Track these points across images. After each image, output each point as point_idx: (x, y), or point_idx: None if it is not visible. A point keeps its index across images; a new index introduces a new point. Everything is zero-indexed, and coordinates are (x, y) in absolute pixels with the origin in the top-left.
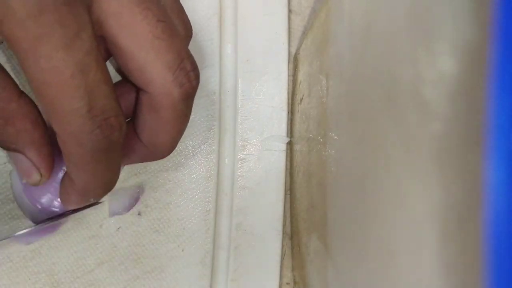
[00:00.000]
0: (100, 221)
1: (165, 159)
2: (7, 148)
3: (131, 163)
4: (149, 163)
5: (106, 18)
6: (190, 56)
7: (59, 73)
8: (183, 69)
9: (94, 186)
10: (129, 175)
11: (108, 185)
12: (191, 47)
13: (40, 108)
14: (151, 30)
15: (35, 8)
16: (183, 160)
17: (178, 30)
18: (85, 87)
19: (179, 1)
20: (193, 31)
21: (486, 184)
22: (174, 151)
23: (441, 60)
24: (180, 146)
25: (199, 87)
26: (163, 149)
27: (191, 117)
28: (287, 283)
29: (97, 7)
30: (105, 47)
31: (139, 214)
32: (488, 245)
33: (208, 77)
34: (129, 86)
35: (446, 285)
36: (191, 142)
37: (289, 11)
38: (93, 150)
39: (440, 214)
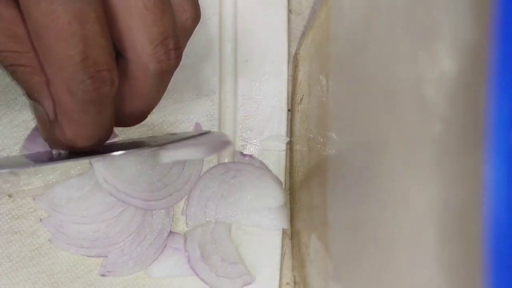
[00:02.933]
0: None
1: None
2: (30, 96)
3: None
4: None
5: None
6: (176, 36)
7: (57, 18)
8: (164, 45)
9: (82, 137)
10: None
11: (95, 138)
12: (191, 46)
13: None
14: (142, 0)
15: None
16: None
17: (181, 8)
18: (81, 36)
19: None
20: (193, 31)
21: (486, 184)
22: None
23: (441, 60)
24: None
25: (199, 86)
26: (128, 118)
27: (191, 116)
28: (287, 283)
29: None
30: None
31: None
32: (488, 245)
33: (208, 77)
34: None
35: (446, 285)
36: None
37: (289, 11)
38: (83, 100)
39: (440, 214)
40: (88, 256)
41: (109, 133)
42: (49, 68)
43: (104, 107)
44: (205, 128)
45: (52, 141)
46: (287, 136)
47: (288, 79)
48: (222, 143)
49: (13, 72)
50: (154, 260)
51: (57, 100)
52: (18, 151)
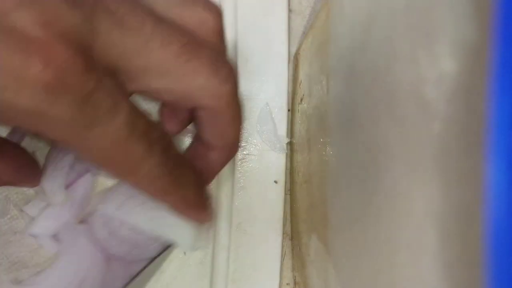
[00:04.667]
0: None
1: None
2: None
3: (215, 176)
4: None
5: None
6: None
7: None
8: (221, 74)
9: (189, 200)
10: None
11: (201, 194)
12: None
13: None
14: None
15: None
16: None
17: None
18: (154, 157)
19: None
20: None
21: (486, 184)
22: None
23: (441, 60)
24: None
25: None
26: (235, 145)
27: None
28: (287, 284)
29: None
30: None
31: None
32: (488, 245)
33: None
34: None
35: (446, 285)
36: None
37: (289, 11)
38: (164, 184)
39: (440, 214)
40: None
41: (205, 183)
42: (126, 181)
43: (182, 170)
44: None
45: (186, 215)
46: (287, 136)
47: (288, 79)
48: None
49: None
50: None
51: (143, 192)
52: None
